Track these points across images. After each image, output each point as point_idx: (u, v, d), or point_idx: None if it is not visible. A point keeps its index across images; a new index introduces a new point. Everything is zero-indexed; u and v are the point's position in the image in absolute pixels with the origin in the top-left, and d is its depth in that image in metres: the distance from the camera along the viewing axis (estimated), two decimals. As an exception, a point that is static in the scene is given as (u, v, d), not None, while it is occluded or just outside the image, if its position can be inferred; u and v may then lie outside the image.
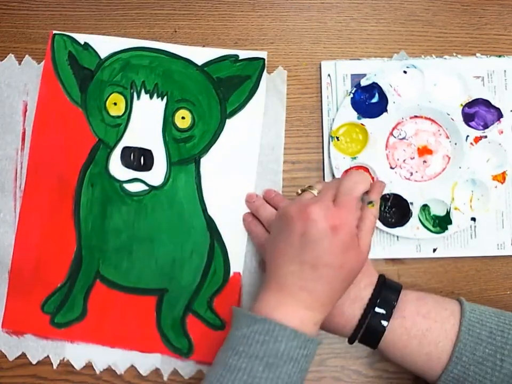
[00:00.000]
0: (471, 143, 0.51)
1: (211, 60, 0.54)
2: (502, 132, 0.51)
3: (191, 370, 0.51)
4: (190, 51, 0.54)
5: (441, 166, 0.52)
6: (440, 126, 0.52)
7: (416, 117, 0.53)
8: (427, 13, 0.55)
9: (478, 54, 0.54)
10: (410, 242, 0.52)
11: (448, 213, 0.51)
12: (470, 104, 0.51)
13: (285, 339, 0.38)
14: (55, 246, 0.52)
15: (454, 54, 0.54)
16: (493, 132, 0.51)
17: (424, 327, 0.41)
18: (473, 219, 0.51)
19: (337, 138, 0.52)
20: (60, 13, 0.56)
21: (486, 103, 0.51)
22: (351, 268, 0.41)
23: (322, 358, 0.51)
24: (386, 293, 0.43)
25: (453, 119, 0.51)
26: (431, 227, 0.51)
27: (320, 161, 0.53)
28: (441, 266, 0.52)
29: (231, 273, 0.51)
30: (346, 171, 0.52)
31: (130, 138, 0.53)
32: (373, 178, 0.51)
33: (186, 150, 0.53)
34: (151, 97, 0.53)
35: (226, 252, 0.51)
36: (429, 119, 0.52)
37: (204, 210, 0.52)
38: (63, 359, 0.51)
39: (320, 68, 0.54)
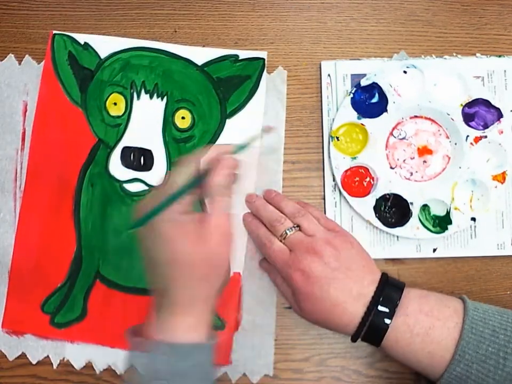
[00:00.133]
0: (471, 143, 0.51)
1: (211, 60, 0.54)
2: (502, 132, 0.51)
3: (191, 370, 0.51)
4: (190, 51, 0.54)
5: (441, 166, 0.52)
6: (440, 126, 0.52)
7: (416, 117, 0.53)
8: (427, 13, 0.55)
9: (478, 54, 0.54)
10: (410, 242, 0.52)
11: (448, 213, 0.51)
12: (470, 104, 0.51)
13: (162, 358, 0.37)
14: (55, 246, 0.52)
15: (454, 54, 0.54)
16: (493, 132, 0.51)
17: (427, 325, 0.41)
18: (473, 219, 0.51)
19: (337, 138, 0.52)
20: (60, 13, 0.56)
21: (486, 103, 0.51)
22: (188, 259, 0.38)
23: (322, 358, 0.51)
24: (389, 291, 0.43)
25: (453, 119, 0.51)
26: (431, 227, 0.51)
27: (320, 161, 0.53)
28: (441, 266, 0.52)
29: (231, 273, 0.51)
30: (346, 171, 0.52)
31: (130, 138, 0.53)
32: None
33: (186, 150, 0.53)
34: (151, 97, 0.53)
35: (226, 252, 0.51)
36: (429, 119, 0.52)
37: (204, 210, 0.52)
38: (63, 359, 0.51)
39: (320, 68, 0.54)
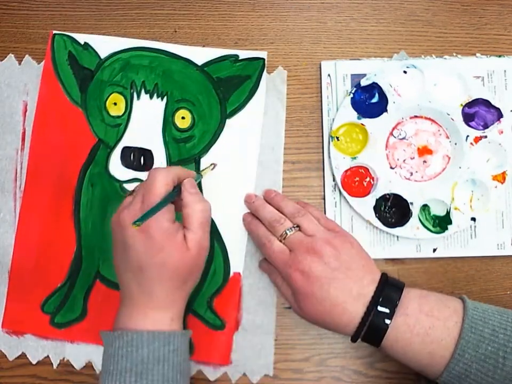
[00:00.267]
0: (471, 143, 0.51)
1: (211, 60, 0.54)
2: (502, 132, 0.51)
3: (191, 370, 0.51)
4: (190, 51, 0.54)
5: (441, 166, 0.52)
6: (440, 126, 0.52)
7: (416, 117, 0.53)
8: (427, 13, 0.55)
9: (478, 54, 0.54)
10: (410, 242, 0.52)
11: (448, 213, 0.51)
12: (470, 104, 0.51)
13: (145, 344, 0.40)
14: (55, 246, 0.52)
15: (454, 54, 0.54)
16: (493, 132, 0.51)
17: (427, 325, 0.41)
18: (473, 219, 0.51)
19: (337, 138, 0.52)
20: (60, 13, 0.56)
21: (486, 103, 0.51)
22: (175, 265, 0.42)
23: (322, 358, 0.51)
24: (389, 291, 0.43)
25: (453, 119, 0.51)
26: (431, 227, 0.51)
27: (320, 161, 0.53)
28: (441, 266, 0.52)
29: (231, 273, 0.51)
30: (346, 171, 0.52)
31: (130, 138, 0.53)
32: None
33: (186, 150, 0.53)
34: (151, 97, 0.53)
35: (226, 252, 0.51)
36: (429, 119, 0.52)
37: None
38: (63, 359, 0.51)
39: (320, 68, 0.54)
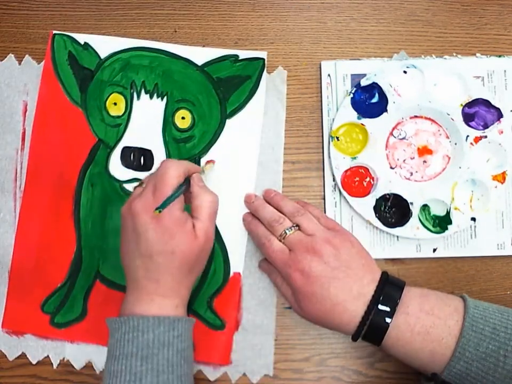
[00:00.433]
0: (471, 143, 0.51)
1: (211, 60, 0.54)
2: (502, 132, 0.51)
3: (191, 370, 0.51)
4: (190, 51, 0.54)
5: (441, 166, 0.52)
6: (440, 126, 0.52)
7: (416, 117, 0.53)
8: (427, 13, 0.55)
9: (478, 54, 0.54)
10: (410, 242, 0.52)
11: (448, 213, 0.51)
12: (470, 104, 0.51)
13: (150, 328, 0.41)
14: (55, 246, 0.52)
15: (454, 54, 0.54)
16: (493, 132, 0.51)
17: (428, 324, 0.41)
18: (473, 219, 0.51)
19: (337, 138, 0.52)
20: (60, 13, 0.56)
21: (486, 103, 0.51)
22: (184, 253, 0.43)
23: (322, 358, 0.51)
24: (389, 289, 0.43)
25: (453, 119, 0.51)
26: (431, 227, 0.51)
27: (320, 161, 0.53)
28: (441, 266, 0.52)
29: (231, 273, 0.51)
30: (346, 171, 0.52)
31: (130, 138, 0.53)
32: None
33: (186, 150, 0.53)
34: (151, 97, 0.53)
35: (226, 252, 0.51)
36: (429, 119, 0.52)
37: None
38: (63, 359, 0.51)
39: (320, 68, 0.54)
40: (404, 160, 0.53)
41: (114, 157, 0.53)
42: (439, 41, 0.54)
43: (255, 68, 0.53)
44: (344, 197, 0.51)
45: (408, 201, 0.51)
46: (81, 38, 0.54)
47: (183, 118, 0.53)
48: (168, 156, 0.52)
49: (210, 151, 0.53)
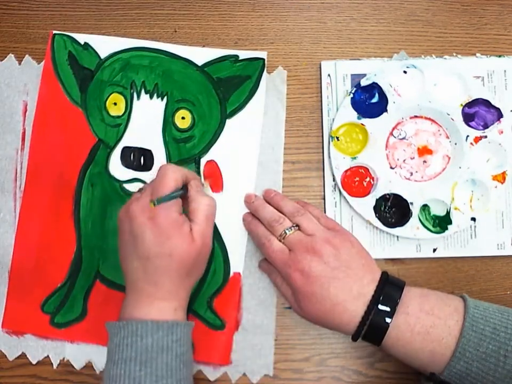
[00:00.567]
0: (471, 143, 0.51)
1: (211, 60, 0.54)
2: (502, 132, 0.51)
3: (191, 370, 0.51)
4: (190, 51, 0.54)
5: (441, 166, 0.52)
6: (440, 126, 0.52)
7: (416, 117, 0.53)
8: (427, 13, 0.55)
9: (478, 54, 0.54)
10: (410, 242, 0.52)
11: (448, 213, 0.51)
12: (470, 104, 0.51)
13: (149, 333, 0.41)
14: (55, 246, 0.52)
15: (454, 54, 0.54)
16: (493, 132, 0.51)
17: (428, 324, 0.41)
18: (473, 219, 0.51)
19: (337, 138, 0.52)
20: (60, 13, 0.56)
21: (486, 103, 0.51)
22: (181, 255, 0.43)
23: (322, 358, 0.51)
24: (389, 289, 0.43)
25: (453, 119, 0.51)
26: (431, 227, 0.51)
27: (320, 161, 0.53)
28: (441, 266, 0.52)
29: (231, 273, 0.51)
30: (346, 171, 0.52)
31: (130, 138, 0.53)
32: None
33: (186, 150, 0.53)
34: (151, 97, 0.53)
35: (226, 252, 0.51)
36: (429, 119, 0.52)
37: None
38: (63, 359, 0.51)
39: (320, 68, 0.54)
40: (404, 160, 0.53)
41: (114, 157, 0.53)
42: (439, 41, 0.54)
43: (255, 68, 0.53)
44: (344, 197, 0.51)
45: (408, 201, 0.51)
46: (81, 38, 0.54)
47: (183, 118, 0.53)
48: (168, 155, 0.52)
49: (210, 151, 0.53)
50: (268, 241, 0.46)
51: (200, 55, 0.54)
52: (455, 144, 0.52)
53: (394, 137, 0.53)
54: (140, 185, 0.52)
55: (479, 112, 0.52)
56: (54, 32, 0.54)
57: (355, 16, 0.55)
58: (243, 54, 0.53)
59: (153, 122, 0.53)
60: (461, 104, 0.51)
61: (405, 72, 0.52)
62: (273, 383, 0.51)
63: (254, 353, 0.51)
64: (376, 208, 0.51)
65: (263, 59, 0.53)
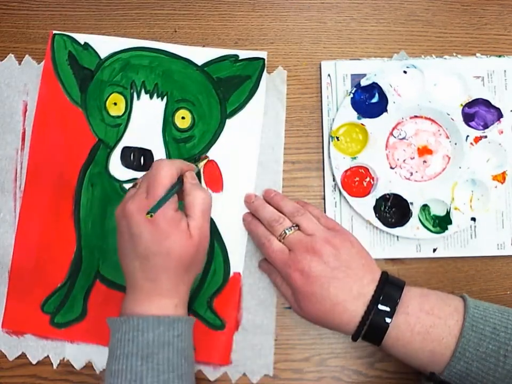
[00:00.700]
0: (471, 143, 0.51)
1: (211, 60, 0.54)
2: (502, 132, 0.51)
3: (191, 370, 0.51)
4: (190, 51, 0.54)
5: (441, 166, 0.52)
6: (440, 126, 0.52)
7: (416, 117, 0.53)
8: (427, 13, 0.55)
9: (478, 54, 0.54)
10: (410, 242, 0.52)
11: (448, 213, 0.51)
12: (470, 104, 0.51)
13: (150, 328, 0.41)
14: (55, 246, 0.52)
15: (454, 54, 0.54)
16: (493, 132, 0.51)
17: (428, 324, 0.41)
18: (473, 219, 0.51)
19: (337, 138, 0.52)
20: (60, 13, 0.56)
21: (486, 103, 0.51)
22: (179, 253, 0.43)
23: (322, 358, 0.51)
24: (389, 289, 0.43)
25: (453, 119, 0.51)
26: (431, 227, 0.51)
27: (320, 161, 0.53)
28: (441, 266, 0.52)
29: (231, 273, 0.51)
30: (346, 171, 0.52)
31: (130, 138, 0.53)
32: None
33: (186, 150, 0.53)
34: (151, 97, 0.53)
35: (226, 252, 0.51)
36: (429, 119, 0.52)
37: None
38: (63, 359, 0.51)
39: (320, 68, 0.54)
40: (404, 160, 0.53)
41: (114, 157, 0.53)
42: (439, 41, 0.54)
43: (255, 68, 0.53)
44: (344, 197, 0.51)
45: (408, 201, 0.51)
46: (81, 38, 0.54)
47: (183, 118, 0.53)
48: (168, 155, 0.53)
49: (210, 151, 0.53)
50: (267, 241, 0.46)
51: (200, 55, 0.54)
52: (455, 144, 0.52)
53: (394, 137, 0.53)
54: (140, 185, 0.52)
55: (479, 112, 0.52)
56: (54, 32, 0.54)
57: (355, 16, 0.55)
58: (243, 54, 0.53)
59: (153, 122, 0.53)
60: (461, 104, 0.51)
61: (405, 72, 0.52)
62: (273, 383, 0.51)
63: (254, 353, 0.51)
64: (376, 208, 0.51)
65: (263, 59, 0.53)
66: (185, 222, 0.44)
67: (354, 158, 0.52)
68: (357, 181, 0.52)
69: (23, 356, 0.52)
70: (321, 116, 0.53)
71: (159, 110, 0.53)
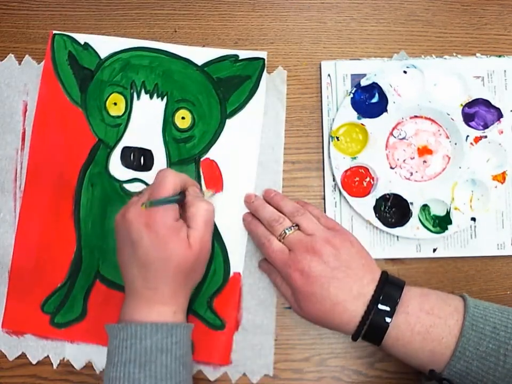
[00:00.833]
0: (471, 143, 0.51)
1: (211, 60, 0.54)
2: (502, 132, 0.51)
3: (191, 370, 0.51)
4: (190, 51, 0.54)
5: (441, 166, 0.52)
6: (440, 126, 0.52)
7: (416, 117, 0.53)
8: (427, 13, 0.55)
9: (478, 54, 0.54)
10: (410, 242, 0.52)
11: (448, 213, 0.51)
12: (470, 104, 0.51)
13: (148, 335, 0.41)
14: (55, 246, 0.52)
15: (454, 54, 0.54)
16: (493, 132, 0.51)
17: (428, 323, 0.41)
18: (473, 219, 0.51)
19: (337, 138, 0.52)
20: (60, 13, 0.56)
21: (486, 103, 0.51)
22: (178, 261, 0.43)
23: (322, 358, 0.51)
24: (389, 289, 0.43)
25: (453, 119, 0.51)
26: (431, 227, 0.51)
27: (320, 161, 0.53)
28: (441, 266, 0.52)
29: (231, 273, 0.51)
30: (346, 171, 0.52)
31: (130, 138, 0.53)
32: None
33: (186, 150, 0.53)
34: (151, 97, 0.53)
35: (226, 252, 0.51)
36: (429, 119, 0.52)
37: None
38: (63, 359, 0.51)
39: (320, 68, 0.54)
40: (404, 160, 0.53)
41: (114, 157, 0.53)
42: (439, 41, 0.54)
43: (255, 68, 0.53)
44: (344, 197, 0.51)
45: (408, 201, 0.51)
46: (81, 38, 0.54)
47: (183, 118, 0.53)
48: (168, 155, 0.52)
49: (210, 151, 0.53)
50: (267, 241, 0.46)
51: (200, 55, 0.54)
52: (455, 144, 0.52)
53: (394, 137, 0.53)
54: (140, 185, 0.52)
55: (479, 112, 0.52)
56: (54, 32, 0.54)
57: (355, 16, 0.55)
58: (243, 54, 0.53)
59: (153, 122, 0.53)
60: (461, 104, 0.51)
61: (405, 72, 0.52)
62: (273, 383, 0.51)
63: (254, 353, 0.51)
64: (376, 208, 0.51)
65: (263, 59, 0.53)
66: (185, 232, 0.44)
67: (354, 158, 0.52)
68: (357, 181, 0.52)
69: (23, 356, 0.52)
70: (321, 116, 0.53)
71: (159, 110, 0.53)
